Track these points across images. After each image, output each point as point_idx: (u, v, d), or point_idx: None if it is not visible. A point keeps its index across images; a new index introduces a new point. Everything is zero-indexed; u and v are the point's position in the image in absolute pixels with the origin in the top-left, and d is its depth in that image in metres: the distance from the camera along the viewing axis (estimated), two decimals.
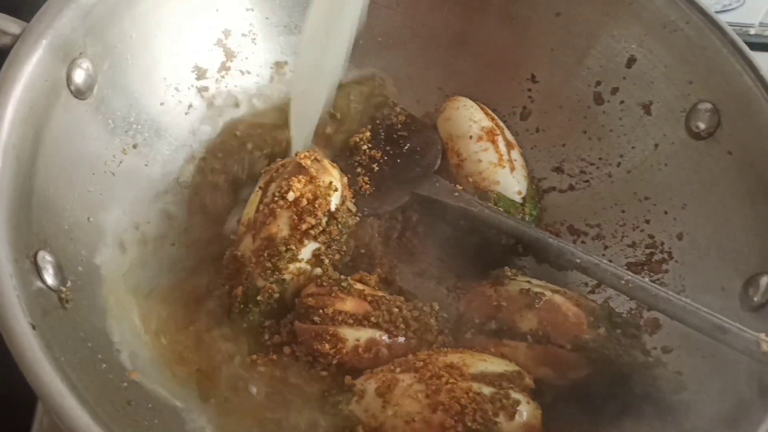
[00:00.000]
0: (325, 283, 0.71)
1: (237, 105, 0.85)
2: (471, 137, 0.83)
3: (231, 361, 0.70)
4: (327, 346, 0.68)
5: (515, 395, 0.64)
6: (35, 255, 0.61)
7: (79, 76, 0.70)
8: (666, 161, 0.81)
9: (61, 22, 0.68)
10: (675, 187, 0.80)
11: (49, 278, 0.62)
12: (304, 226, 0.70)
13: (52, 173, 0.67)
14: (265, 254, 0.70)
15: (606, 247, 0.83)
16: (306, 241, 0.70)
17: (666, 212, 0.80)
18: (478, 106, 0.86)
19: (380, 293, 0.72)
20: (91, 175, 0.72)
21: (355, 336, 0.68)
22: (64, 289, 0.63)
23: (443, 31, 0.90)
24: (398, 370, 0.66)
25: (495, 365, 0.67)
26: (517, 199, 0.81)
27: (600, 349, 0.68)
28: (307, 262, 0.71)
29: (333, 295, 0.70)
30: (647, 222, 0.82)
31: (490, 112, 0.86)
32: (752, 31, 1.24)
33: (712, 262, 0.74)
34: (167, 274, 0.75)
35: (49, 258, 0.63)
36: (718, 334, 0.63)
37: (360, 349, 0.68)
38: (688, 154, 0.79)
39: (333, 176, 0.73)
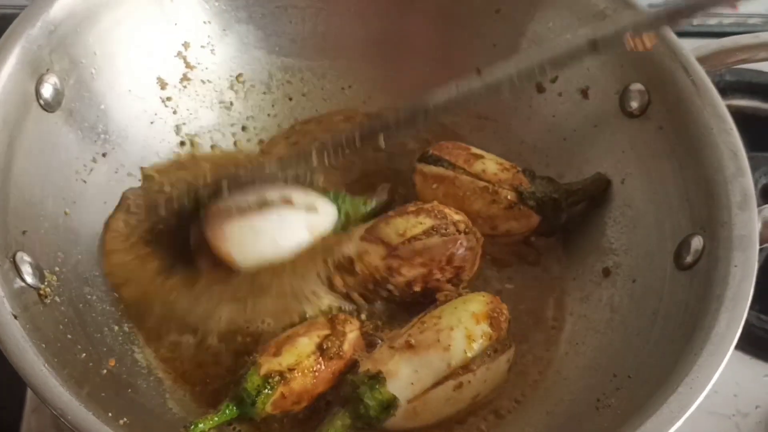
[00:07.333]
0: None
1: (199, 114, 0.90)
2: None
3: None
4: None
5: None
6: (14, 256, 0.65)
7: (47, 91, 0.75)
8: (605, 140, 0.87)
9: (27, 41, 0.73)
10: (614, 164, 0.85)
11: (29, 277, 0.66)
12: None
13: (26, 182, 0.71)
14: None
15: None
16: None
17: None
18: None
19: None
20: (63, 183, 0.76)
21: None
22: (42, 286, 0.67)
23: (387, 36, 0.95)
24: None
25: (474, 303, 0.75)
26: None
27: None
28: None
29: None
30: (592, 198, 0.87)
31: None
32: None
33: (650, 229, 0.80)
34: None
35: (27, 259, 0.67)
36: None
37: None
38: (624, 132, 0.84)
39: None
